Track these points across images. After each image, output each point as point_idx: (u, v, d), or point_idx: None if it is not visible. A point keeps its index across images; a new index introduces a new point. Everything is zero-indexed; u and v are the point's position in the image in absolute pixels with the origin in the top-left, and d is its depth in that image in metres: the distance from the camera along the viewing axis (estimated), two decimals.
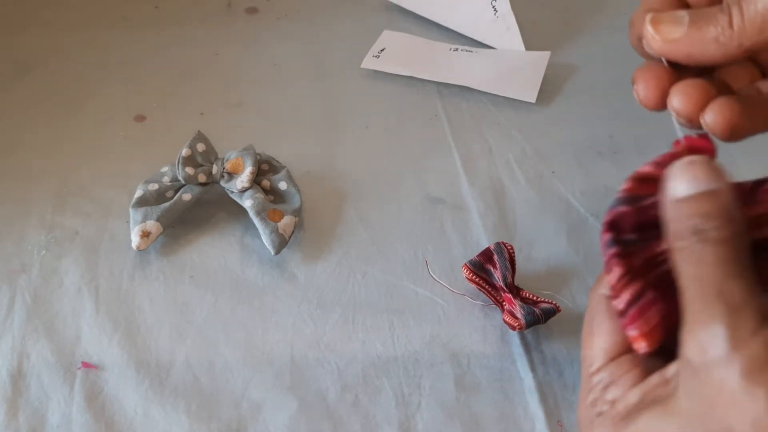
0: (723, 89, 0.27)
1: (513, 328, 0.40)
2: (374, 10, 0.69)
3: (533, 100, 0.58)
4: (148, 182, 0.47)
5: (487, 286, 0.42)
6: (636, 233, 0.26)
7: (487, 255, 0.43)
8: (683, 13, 0.26)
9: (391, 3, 0.69)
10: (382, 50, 0.63)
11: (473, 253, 0.44)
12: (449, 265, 0.46)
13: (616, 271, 0.25)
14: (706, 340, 0.22)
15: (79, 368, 0.40)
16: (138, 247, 0.45)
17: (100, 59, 0.62)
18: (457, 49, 0.63)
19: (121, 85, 0.60)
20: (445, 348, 0.41)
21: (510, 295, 0.41)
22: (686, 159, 0.25)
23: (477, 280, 0.42)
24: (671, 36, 0.26)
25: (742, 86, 0.28)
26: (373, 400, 0.39)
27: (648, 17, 0.27)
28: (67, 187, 0.50)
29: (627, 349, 0.26)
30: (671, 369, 0.24)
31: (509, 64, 0.61)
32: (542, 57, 0.61)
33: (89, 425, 0.37)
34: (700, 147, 0.26)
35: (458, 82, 0.59)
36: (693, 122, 0.27)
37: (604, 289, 0.28)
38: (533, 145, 0.55)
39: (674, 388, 0.24)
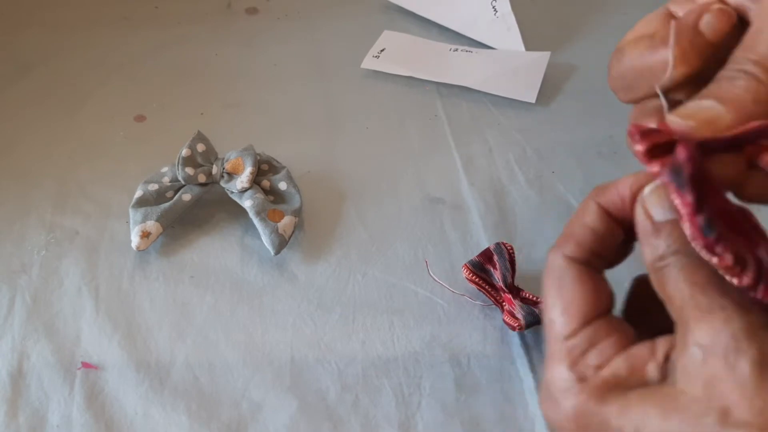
0: None
1: (513, 328, 0.40)
2: (374, 10, 0.69)
3: (533, 100, 0.58)
4: (148, 182, 0.47)
5: (487, 287, 0.42)
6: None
7: (487, 255, 0.43)
8: (714, 105, 0.25)
9: (391, 3, 0.69)
10: (382, 50, 0.63)
11: (473, 253, 0.44)
12: (449, 265, 0.46)
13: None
14: (717, 326, 0.23)
15: (79, 368, 0.40)
16: (138, 248, 0.45)
17: (100, 59, 0.62)
18: (456, 50, 0.63)
19: (121, 85, 0.60)
20: (445, 348, 0.41)
21: (510, 296, 0.41)
22: (655, 184, 0.25)
23: (477, 280, 0.42)
24: (714, 128, 0.25)
25: None
26: (373, 400, 0.39)
27: (676, 117, 0.25)
28: (67, 187, 0.50)
29: (600, 312, 0.26)
30: (661, 344, 0.24)
31: (509, 64, 0.61)
32: (542, 57, 0.61)
33: (89, 425, 0.37)
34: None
35: (458, 82, 0.59)
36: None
37: (567, 250, 0.27)
38: (533, 145, 0.55)
39: (670, 370, 0.24)
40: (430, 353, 0.41)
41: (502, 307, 0.42)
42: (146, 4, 0.70)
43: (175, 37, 0.65)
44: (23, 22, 0.67)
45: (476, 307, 0.43)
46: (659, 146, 0.25)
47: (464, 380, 0.40)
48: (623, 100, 0.31)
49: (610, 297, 0.27)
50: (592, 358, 0.25)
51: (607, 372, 0.25)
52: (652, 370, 0.24)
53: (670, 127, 0.25)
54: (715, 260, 0.22)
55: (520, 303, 0.41)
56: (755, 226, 0.24)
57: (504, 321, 0.41)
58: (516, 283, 0.43)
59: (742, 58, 0.26)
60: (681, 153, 0.22)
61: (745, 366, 0.22)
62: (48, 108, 0.57)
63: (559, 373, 0.26)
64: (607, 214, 0.27)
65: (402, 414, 0.38)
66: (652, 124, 0.26)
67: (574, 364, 0.25)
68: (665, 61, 0.27)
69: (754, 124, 0.24)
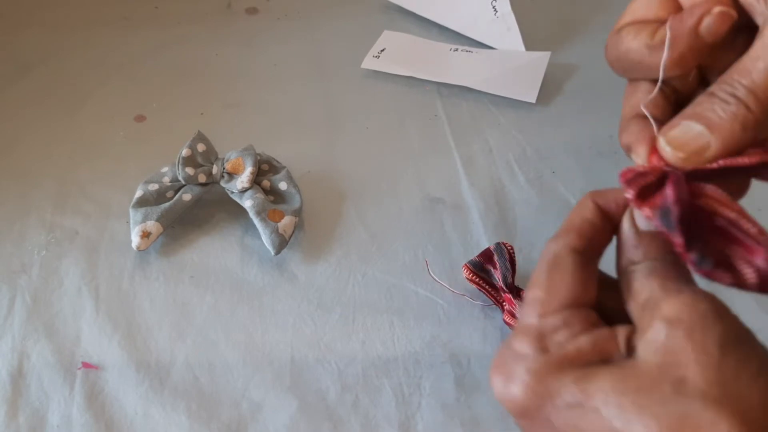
0: None
1: (513, 328, 0.40)
2: (374, 10, 0.69)
3: (533, 100, 0.58)
4: (148, 182, 0.47)
5: (487, 287, 0.42)
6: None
7: (487, 255, 0.43)
8: (703, 132, 0.26)
9: (391, 3, 0.69)
10: (382, 50, 0.63)
11: (473, 253, 0.44)
12: (449, 265, 0.46)
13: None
14: (688, 302, 0.24)
15: (79, 368, 0.40)
16: (138, 248, 0.45)
17: (100, 59, 0.62)
18: (457, 50, 0.63)
19: (121, 85, 0.60)
20: (445, 348, 0.41)
21: (510, 296, 0.41)
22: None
23: (477, 280, 0.42)
24: (702, 159, 0.26)
25: None
26: (373, 400, 0.39)
27: (666, 145, 0.26)
28: (67, 187, 0.50)
29: (582, 304, 0.26)
30: (621, 329, 0.25)
31: (509, 64, 0.61)
32: (542, 57, 0.61)
33: (89, 425, 0.37)
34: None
35: (458, 82, 0.59)
36: None
37: (568, 239, 0.27)
38: (533, 145, 0.55)
39: (632, 350, 0.24)
40: (430, 353, 0.41)
41: (502, 307, 0.42)
42: (146, 4, 0.70)
43: (175, 37, 0.65)
44: (23, 22, 0.67)
45: (476, 307, 0.43)
46: (649, 184, 0.26)
47: (464, 380, 0.40)
48: (619, 74, 0.31)
49: (594, 293, 0.27)
50: (561, 336, 0.25)
51: (571, 346, 0.25)
52: (614, 347, 0.24)
53: (661, 154, 0.26)
54: (721, 282, 0.24)
55: (521, 303, 0.41)
56: (747, 233, 0.24)
57: (504, 321, 0.41)
58: (516, 282, 0.43)
59: (736, 82, 0.25)
60: (669, 195, 0.24)
61: (710, 342, 0.22)
62: (48, 108, 0.57)
63: (521, 343, 0.25)
64: (603, 214, 0.28)
65: (402, 414, 0.38)
66: (639, 159, 0.27)
67: (540, 338, 0.25)
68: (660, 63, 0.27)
69: (743, 160, 0.25)
